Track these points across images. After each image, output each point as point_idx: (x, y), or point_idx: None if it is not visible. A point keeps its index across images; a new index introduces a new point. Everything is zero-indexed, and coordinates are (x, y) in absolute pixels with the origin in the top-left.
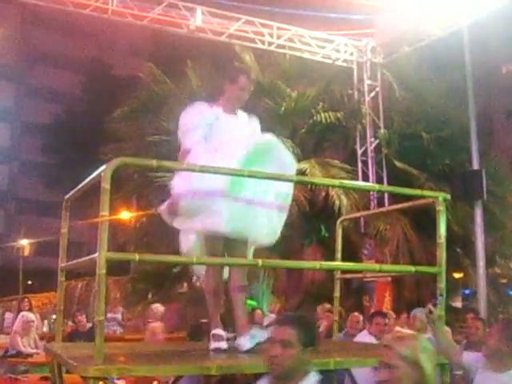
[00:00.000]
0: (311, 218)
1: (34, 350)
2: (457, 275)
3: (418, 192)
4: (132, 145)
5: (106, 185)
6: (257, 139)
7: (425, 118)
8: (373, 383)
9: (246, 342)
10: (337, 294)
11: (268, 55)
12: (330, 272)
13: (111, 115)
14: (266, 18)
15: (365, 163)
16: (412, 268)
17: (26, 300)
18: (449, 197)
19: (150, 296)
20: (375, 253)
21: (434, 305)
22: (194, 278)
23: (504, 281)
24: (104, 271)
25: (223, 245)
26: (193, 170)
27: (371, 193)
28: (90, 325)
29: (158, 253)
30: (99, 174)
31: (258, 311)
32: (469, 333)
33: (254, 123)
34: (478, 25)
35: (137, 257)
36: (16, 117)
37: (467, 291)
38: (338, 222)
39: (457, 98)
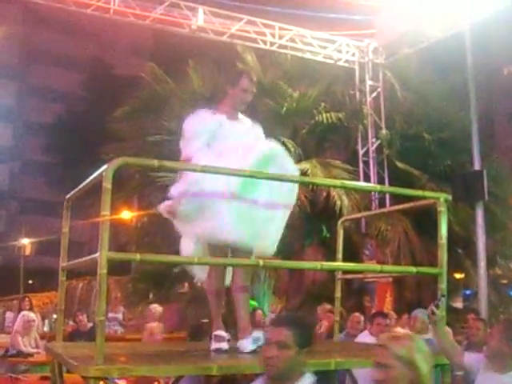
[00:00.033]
0: (312, 218)
1: (35, 350)
2: (458, 276)
3: (419, 193)
4: (133, 144)
5: (107, 184)
6: (261, 147)
7: (426, 119)
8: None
9: (247, 345)
10: (338, 294)
11: (270, 55)
12: (331, 272)
13: (113, 115)
14: (268, 18)
15: (366, 164)
16: (413, 269)
17: (27, 299)
18: (450, 198)
19: (150, 296)
20: (376, 253)
21: (437, 306)
22: (195, 278)
23: (505, 281)
24: (105, 271)
25: (226, 253)
26: (194, 170)
27: (372, 193)
28: (90, 324)
29: (160, 253)
30: (100, 174)
31: (259, 311)
32: (470, 333)
33: (258, 129)
34: (479, 26)
35: (138, 257)
36: (18, 116)
37: (468, 292)
38: (339, 222)
39: (458, 99)
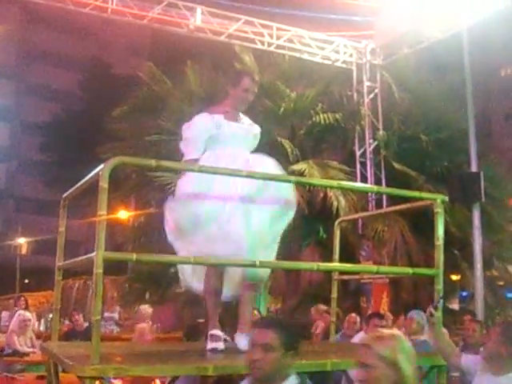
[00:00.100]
0: (309, 219)
1: (31, 349)
2: (454, 277)
3: (416, 194)
4: (131, 144)
5: (103, 184)
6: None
7: (424, 120)
8: None
9: (243, 342)
10: (334, 295)
11: (267, 56)
12: (328, 273)
13: (110, 114)
14: (266, 19)
15: (363, 165)
16: (410, 270)
17: (22, 298)
18: (447, 199)
19: (147, 296)
20: (373, 254)
21: (435, 308)
22: (193, 289)
23: (501, 283)
24: (101, 270)
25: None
26: (192, 170)
27: (369, 194)
28: (86, 324)
29: (156, 253)
30: (97, 173)
31: (255, 311)
32: (466, 335)
33: (256, 130)
34: (477, 27)
35: (134, 256)
36: (15, 115)
37: (464, 293)
38: (336, 223)
39: (456, 100)
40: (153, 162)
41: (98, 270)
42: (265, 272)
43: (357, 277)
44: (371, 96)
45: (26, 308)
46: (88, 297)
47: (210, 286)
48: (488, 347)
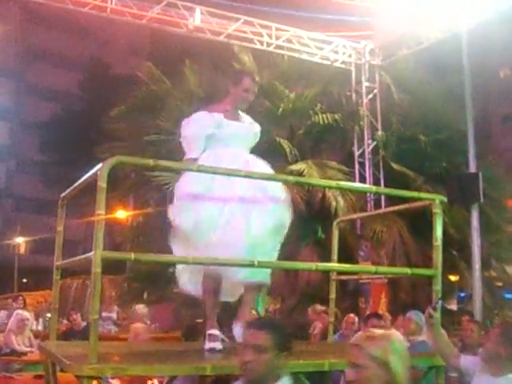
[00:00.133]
0: (308, 219)
1: (29, 349)
2: (453, 278)
3: (414, 194)
4: (130, 144)
5: (102, 183)
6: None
7: (422, 121)
8: None
9: (240, 333)
10: (333, 295)
11: (266, 56)
12: (326, 273)
13: (109, 114)
14: (265, 19)
15: (362, 165)
16: (408, 270)
17: (20, 298)
18: (445, 199)
19: (145, 295)
20: (371, 255)
21: (434, 308)
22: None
23: (499, 284)
24: (99, 270)
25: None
26: (190, 170)
27: (368, 194)
28: (84, 323)
29: (155, 252)
30: (95, 173)
31: (253, 311)
32: (464, 335)
33: (256, 128)
34: (476, 29)
35: (132, 256)
36: (14, 115)
37: (463, 294)
38: (335, 223)
39: (454, 101)
40: (151, 162)
41: (97, 269)
42: (267, 273)
43: (355, 277)
44: (370, 96)
45: (24, 307)
46: (86, 296)
47: (208, 286)
48: (487, 348)
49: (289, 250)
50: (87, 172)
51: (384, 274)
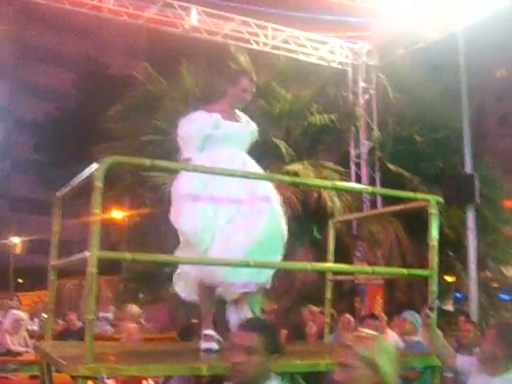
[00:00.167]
0: (303, 219)
1: (24, 349)
2: (449, 279)
3: (411, 194)
4: (126, 144)
5: (98, 183)
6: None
7: (419, 121)
8: None
9: (235, 317)
10: (328, 295)
11: (263, 56)
12: (322, 274)
13: (105, 114)
14: (262, 19)
15: (358, 165)
16: (404, 271)
17: (16, 298)
18: (441, 200)
19: (141, 296)
20: (367, 255)
21: (431, 309)
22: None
23: (495, 285)
24: (95, 270)
25: None
26: (186, 170)
27: (364, 195)
28: (80, 324)
29: (151, 252)
30: (92, 173)
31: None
32: (460, 335)
33: (253, 128)
34: (472, 29)
35: (128, 256)
36: (9, 114)
37: (459, 295)
38: (331, 223)
39: (451, 102)
40: (147, 162)
41: (93, 269)
42: (267, 279)
43: (351, 277)
44: (366, 97)
45: (19, 307)
46: (82, 297)
47: (203, 289)
48: (484, 348)
49: (284, 250)
50: (83, 172)
51: (381, 275)
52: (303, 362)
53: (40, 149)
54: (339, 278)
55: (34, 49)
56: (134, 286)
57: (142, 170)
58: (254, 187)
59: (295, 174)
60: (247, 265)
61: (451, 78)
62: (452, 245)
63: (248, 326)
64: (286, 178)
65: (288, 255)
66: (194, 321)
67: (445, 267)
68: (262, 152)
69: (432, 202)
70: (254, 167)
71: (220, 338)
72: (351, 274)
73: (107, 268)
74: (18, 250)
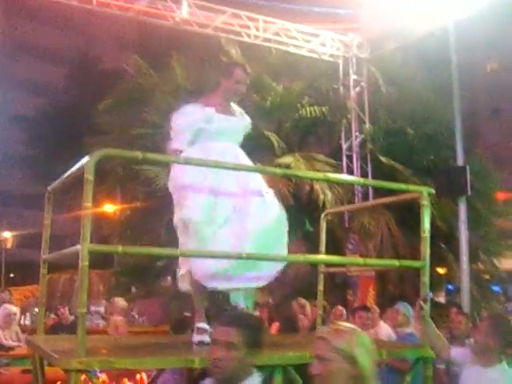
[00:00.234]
0: (295, 212)
1: (16, 343)
2: (441, 271)
3: (402, 186)
4: (117, 137)
5: (89, 176)
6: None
7: (410, 114)
8: None
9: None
10: (321, 287)
11: (254, 49)
12: (314, 266)
13: (96, 108)
14: (253, 12)
15: (350, 158)
16: (396, 262)
17: (7, 292)
18: (433, 191)
19: (133, 289)
20: (359, 247)
21: (424, 300)
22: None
23: (487, 277)
24: (87, 263)
25: None
26: (177, 162)
27: (356, 187)
28: (72, 318)
29: (143, 246)
30: (83, 166)
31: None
32: (452, 327)
33: (246, 121)
34: (464, 22)
35: (119, 249)
36: (1, 109)
37: (451, 287)
38: (322, 215)
39: (442, 95)
40: (139, 155)
41: (84, 262)
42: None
43: (343, 269)
44: (358, 90)
45: (11, 302)
46: (74, 291)
47: (196, 282)
48: (477, 340)
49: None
50: (74, 166)
51: (372, 266)
52: (295, 354)
53: (32, 143)
54: (331, 270)
55: (24, 44)
56: (126, 279)
57: (134, 164)
58: (247, 181)
59: (287, 166)
60: (239, 257)
61: (442, 71)
62: (444, 237)
63: (228, 320)
64: (278, 171)
65: None
66: (187, 314)
67: (437, 259)
68: (253, 145)
69: (424, 193)
70: (245, 161)
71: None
72: (343, 266)
73: (99, 262)
74: (9, 245)
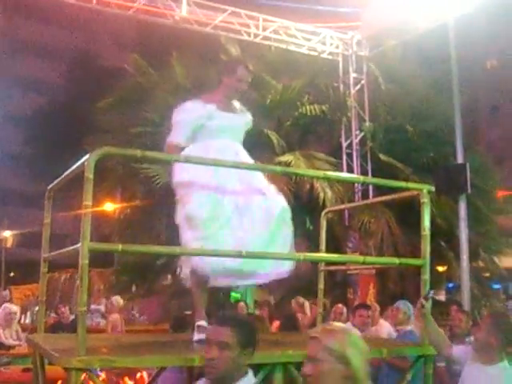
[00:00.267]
0: (295, 210)
1: (16, 342)
2: (441, 268)
3: (402, 184)
4: (116, 136)
5: (89, 174)
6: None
7: (410, 112)
8: None
9: None
10: (321, 285)
11: (254, 47)
12: (315, 265)
13: (95, 106)
14: (252, 10)
15: (350, 156)
16: (396, 260)
17: (8, 291)
18: (433, 189)
19: (133, 288)
20: (359, 246)
21: (426, 298)
22: (178, 270)
23: (487, 274)
24: (87, 261)
25: None
26: (177, 160)
27: (356, 185)
28: (73, 316)
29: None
30: (83, 164)
31: (241, 303)
32: (452, 325)
33: (247, 118)
34: (464, 19)
35: (119, 247)
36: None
37: (451, 284)
38: (323, 214)
39: (442, 92)
40: (138, 153)
41: (84, 260)
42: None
43: (343, 268)
44: (357, 87)
45: (11, 301)
46: (74, 289)
47: (196, 278)
48: (478, 337)
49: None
50: (74, 165)
51: (372, 264)
52: (296, 353)
53: (31, 142)
54: (332, 268)
55: (23, 41)
56: (126, 278)
57: (134, 162)
58: (249, 179)
59: (287, 164)
60: (238, 255)
61: (442, 68)
62: (444, 235)
63: (222, 320)
64: (278, 169)
65: None
66: (187, 312)
67: (437, 257)
68: (253, 143)
69: (424, 191)
70: (246, 158)
71: None
72: (344, 264)
73: (99, 260)
74: (9, 244)
